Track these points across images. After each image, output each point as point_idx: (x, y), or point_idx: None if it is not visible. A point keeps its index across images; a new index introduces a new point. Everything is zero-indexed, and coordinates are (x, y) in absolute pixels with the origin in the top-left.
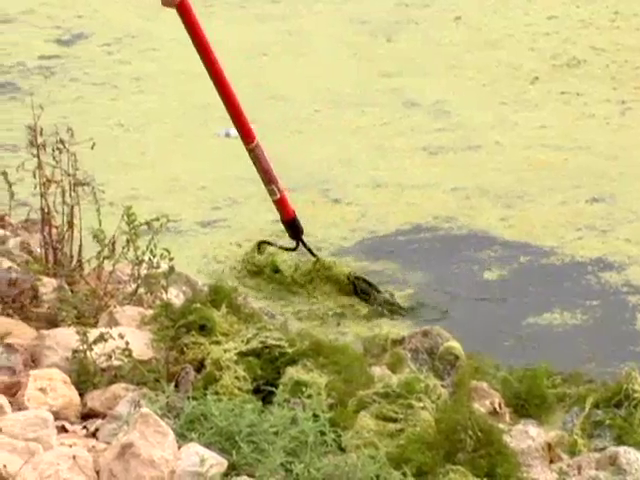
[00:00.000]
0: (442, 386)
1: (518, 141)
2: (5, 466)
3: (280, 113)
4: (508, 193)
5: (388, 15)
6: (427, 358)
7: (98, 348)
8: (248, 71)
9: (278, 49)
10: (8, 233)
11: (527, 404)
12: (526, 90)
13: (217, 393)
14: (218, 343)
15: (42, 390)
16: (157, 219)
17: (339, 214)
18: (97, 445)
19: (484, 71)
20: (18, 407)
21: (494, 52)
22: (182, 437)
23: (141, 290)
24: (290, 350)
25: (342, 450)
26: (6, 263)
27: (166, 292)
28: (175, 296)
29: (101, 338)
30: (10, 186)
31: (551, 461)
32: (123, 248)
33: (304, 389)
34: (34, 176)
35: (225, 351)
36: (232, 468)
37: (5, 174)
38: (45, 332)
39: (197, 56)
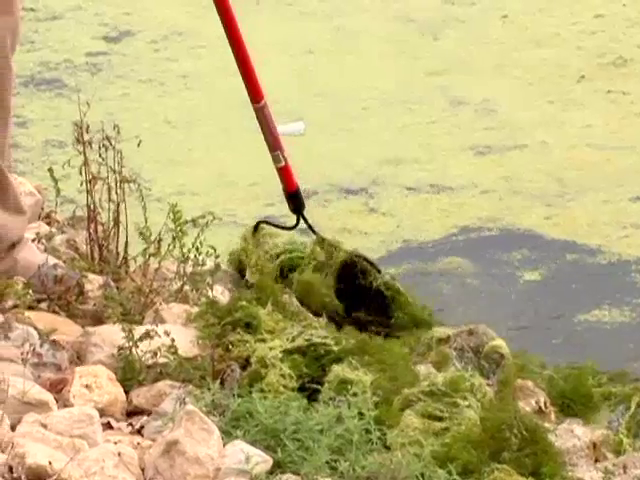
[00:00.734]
0: (487, 385)
1: (564, 140)
2: (50, 462)
3: (327, 111)
4: (551, 192)
5: (434, 13)
6: (472, 357)
7: (144, 345)
8: (294, 68)
9: (324, 47)
10: (54, 230)
11: (572, 403)
12: (572, 89)
13: (262, 391)
14: (263, 341)
15: (88, 387)
16: (203, 216)
17: (377, 221)
18: (142, 442)
19: (530, 70)
20: (64, 404)
21: (540, 51)
22: (227, 434)
23: (187, 287)
24: (336, 348)
25: (387, 448)
26: (52, 260)
27: (212, 290)
28: (220, 293)
29: (147, 335)
30: (56, 183)
31: (596, 460)
32: (169, 245)
33: (349, 387)
34: (80, 173)
35: (270, 349)
36: (277, 466)
37: (51, 171)
38: (91, 329)
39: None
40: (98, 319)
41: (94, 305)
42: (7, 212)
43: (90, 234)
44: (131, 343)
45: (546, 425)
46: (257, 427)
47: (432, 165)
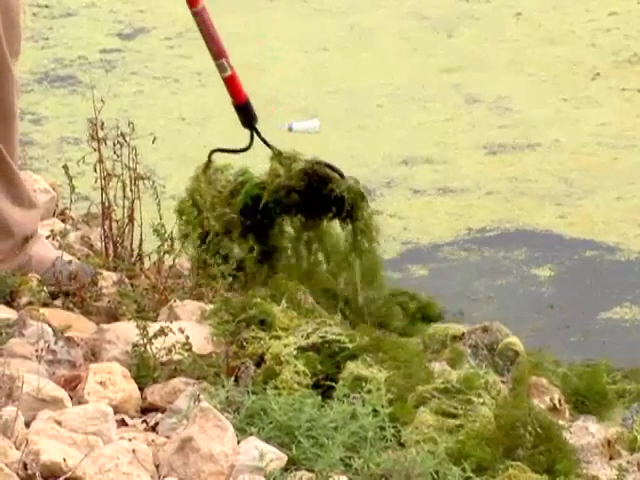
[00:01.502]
0: (502, 382)
1: (578, 139)
2: (65, 459)
3: (342, 108)
4: (563, 191)
5: (449, 10)
6: (487, 354)
7: (158, 342)
8: (308, 65)
9: (339, 44)
10: (69, 227)
11: (587, 400)
12: (587, 86)
13: (277, 388)
14: (278, 338)
15: (102, 384)
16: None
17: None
18: (157, 439)
19: (545, 67)
20: (78, 401)
21: (554, 48)
22: (241, 431)
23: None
24: (350, 345)
25: (401, 445)
26: (67, 257)
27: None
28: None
29: (161, 332)
30: (71, 180)
31: (611, 457)
32: (182, 242)
33: (364, 384)
34: (95, 170)
35: (285, 346)
36: (291, 463)
37: (66, 168)
38: (105, 326)
39: (257, 50)
40: (112, 316)
41: (108, 302)
42: (19, 207)
43: (104, 231)
44: (145, 340)
45: (560, 422)
46: (271, 424)
47: (446, 165)
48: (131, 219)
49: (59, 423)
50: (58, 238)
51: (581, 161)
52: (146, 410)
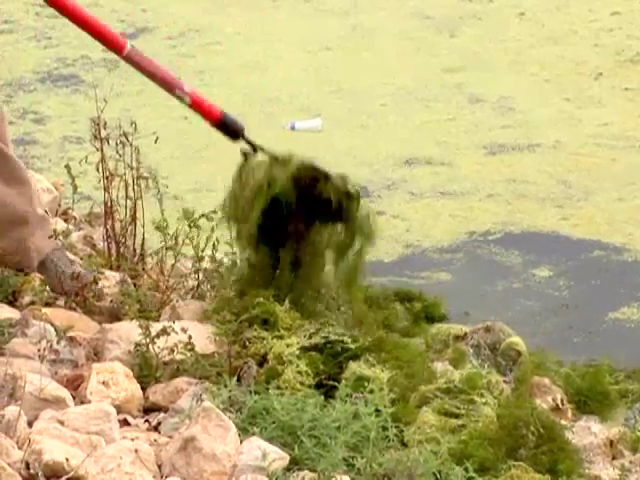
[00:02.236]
0: (504, 382)
1: (578, 139)
2: (67, 459)
3: (345, 107)
4: (565, 192)
5: (451, 10)
6: (489, 354)
7: (161, 342)
8: (312, 65)
9: (341, 43)
10: (71, 227)
11: (589, 400)
12: (590, 86)
13: (279, 387)
14: (281, 338)
15: (104, 383)
16: (215, 212)
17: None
18: (159, 439)
19: (548, 67)
20: (80, 400)
21: (557, 48)
22: (244, 431)
23: (203, 284)
24: (352, 345)
25: (404, 445)
26: (69, 257)
27: (229, 287)
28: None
29: (164, 332)
30: (73, 179)
31: (613, 457)
32: (183, 241)
33: (366, 384)
34: (97, 170)
35: (288, 346)
36: (294, 463)
37: (68, 167)
38: (108, 326)
39: (260, 50)
40: (115, 316)
41: (111, 302)
42: (4, 184)
43: (107, 230)
44: (148, 340)
45: (563, 422)
46: (274, 424)
47: (449, 166)
48: (133, 219)
49: (61, 423)
50: (60, 238)
51: (580, 161)
52: (148, 410)
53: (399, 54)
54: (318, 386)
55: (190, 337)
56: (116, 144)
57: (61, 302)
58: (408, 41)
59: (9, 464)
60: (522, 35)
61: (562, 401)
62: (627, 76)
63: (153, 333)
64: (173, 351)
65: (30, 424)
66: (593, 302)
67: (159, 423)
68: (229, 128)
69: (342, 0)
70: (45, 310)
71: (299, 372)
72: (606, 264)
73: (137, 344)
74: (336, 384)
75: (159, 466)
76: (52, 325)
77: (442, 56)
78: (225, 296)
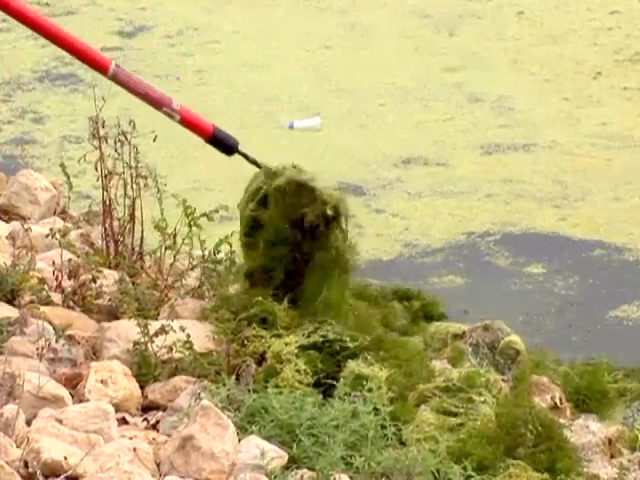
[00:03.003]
0: (503, 380)
1: (576, 139)
2: (66, 458)
3: (344, 106)
4: (561, 193)
5: (451, 9)
6: (488, 352)
7: (159, 340)
8: (310, 63)
9: (340, 42)
10: (69, 225)
11: (588, 399)
12: (589, 85)
13: (278, 386)
14: (279, 336)
15: (103, 382)
16: (216, 211)
17: (385, 222)
18: (158, 437)
19: (547, 66)
20: (79, 399)
21: (556, 47)
22: (242, 430)
23: (202, 283)
24: (351, 344)
25: (402, 444)
26: (67, 255)
27: (228, 286)
28: (235, 288)
29: (162, 330)
30: (69, 178)
31: (612, 456)
32: (183, 240)
33: (365, 383)
34: (96, 168)
35: (286, 344)
36: (292, 461)
37: (63, 166)
38: (106, 324)
39: (259, 48)
40: (113, 314)
41: (109, 300)
42: None
43: (105, 229)
44: (146, 338)
45: (561, 421)
46: (272, 422)
47: (449, 166)
48: (132, 217)
49: (60, 421)
50: (58, 236)
51: (574, 162)
52: (147, 408)
53: (398, 53)
54: (316, 385)
55: (189, 336)
56: (115, 143)
57: (59, 300)
58: (407, 40)
59: (7, 463)
60: (521, 34)
61: (561, 400)
62: (626, 75)
63: (152, 332)
64: (172, 350)
65: (29, 423)
66: (591, 301)
67: (158, 422)
68: (222, 143)
69: None
70: (44, 309)
71: (298, 371)
72: (604, 263)
73: (135, 343)
74: (335, 383)
75: (157, 465)
76: (51, 324)
77: (441, 55)
78: (224, 295)
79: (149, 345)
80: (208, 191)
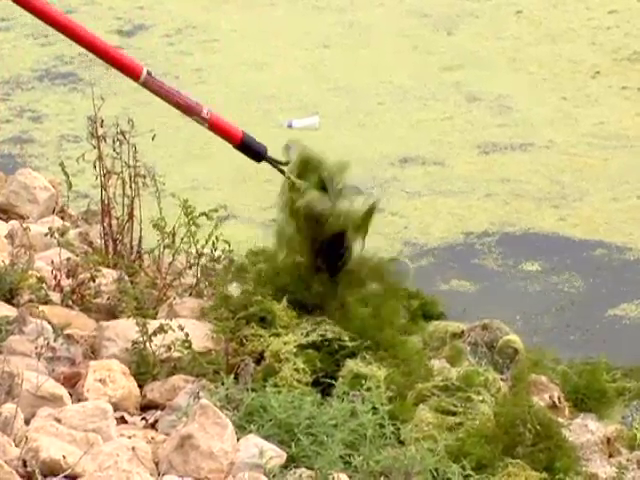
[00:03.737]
0: (501, 380)
1: (572, 139)
2: (64, 457)
3: (343, 105)
4: (559, 193)
5: (449, 8)
6: (486, 351)
7: (158, 339)
8: (309, 62)
9: (339, 41)
10: (68, 224)
11: (586, 398)
12: (587, 85)
13: (276, 385)
14: (278, 335)
15: (102, 381)
16: (216, 210)
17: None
18: (156, 436)
19: (545, 65)
20: (78, 398)
21: (555, 46)
22: (241, 429)
23: (201, 282)
24: (350, 343)
25: (401, 443)
26: (66, 254)
27: (227, 285)
28: (234, 287)
29: (161, 329)
30: (68, 177)
31: (610, 455)
32: (182, 239)
33: (363, 382)
34: (94, 167)
35: (285, 343)
36: (291, 460)
37: (63, 165)
38: (105, 323)
39: (258, 47)
40: (112, 313)
41: (108, 299)
42: None
43: (104, 228)
44: (145, 337)
45: (560, 420)
46: (271, 422)
47: (449, 165)
48: (131, 216)
49: (59, 420)
50: (56, 235)
51: (576, 161)
52: (146, 407)
53: (396, 52)
54: (315, 384)
55: (187, 335)
56: (113, 142)
57: (58, 299)
58: (405, 39)
59: (6, 462)
60: (519, 33)
61: (559, 399)
62: (624, 75)
63: (150, 331)
64: (170, 349)
65: (27, 422)
66: (590, 300)
67: (156, 421)
68: (251, 149)
69: None
70: (42, 308)
71: (296, 370)
72: (603, 263)
73: (134, 342)
74: (333, 382)
75: (156, 464)
76: (49, 323)
77: (439, 54)
78: (223, 294)
79: (148, 344)
80: (206, 190)
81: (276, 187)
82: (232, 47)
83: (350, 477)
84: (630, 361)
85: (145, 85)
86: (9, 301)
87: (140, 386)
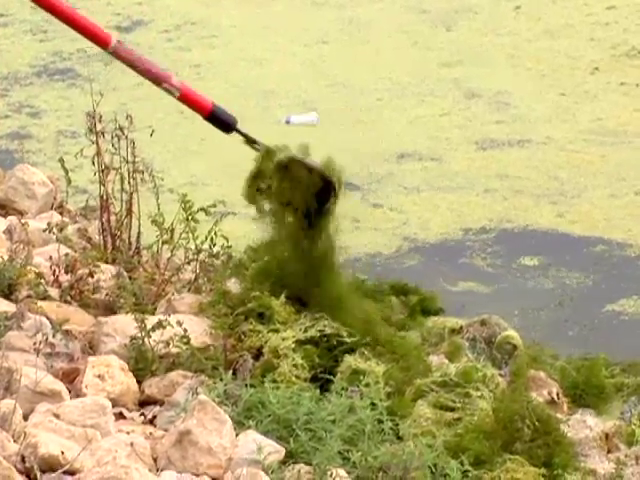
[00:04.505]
0: (500, 375)
1: (570, 135)
2: (63, 452)
3: (342, 101)
4: (558, 189)
5: (447, 4)
6: (485, 347)
7: (156, 335)
8: (308, 58)
9: (338, 37)
10: (67, 220)
11: (585, 394)
12: (586, 81)
13: (275, 381)
14: (276, 331)
15: (100, 377)
16: (214, 205)
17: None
18: (155, 432)
19: (543, 61)
20: (76, 394)
21: (553, 42)
22: (240, 425)
23: (199, 277)
24: (348, 339)
25: (399, 439)
26: (64, 250)
27: (225, 280)
28: (233, 283)
29: (159, 325)
30: (67, 173)
31: (609, 451)
32: (180, 234)
33: (362, 377)
34: (93, 163)
35: (283, 339)
36: (289, 456)
37: (62, 161)
38: (103, 319)
39: (257, 43)
40: (110, 309)
41: (106, 295)
42: None
43: (103, 224)
44: (143, 333)
45: (558, 416)
46: (269, 417)
47: (443, 161)
48: (129, 212)
49: (57, 416)
50: (55, 231)
51: (568, 158)
52: (144, 403)
53: (395, 48)
54: (314, 379)
55: (186, 330)
56: (112, 138)
57: (56, 295)
58: (404, 35)
59: (5, 457)
60: (518, 29)
61: (558, 395)
62: (623, 71)
63: (149, 326)
64: (169, 344)
65: (26, 417)
66: (588, 296)
67: (155, 416)
68: (221, 120)
69: None
70: (41, 303)
71: (295, 365)
72: (602, 259)
73: (133, 337)
74: (332, 378)
75: (155, 459)
76: (48, 318)
77: (438, 50)
78: (221, 289)
79: (146, 340)
80: (205, 186)
81: None
82: (231, 43)
83: (348, 473)
84: (629, 357)
85: (115, 53)
86: (7, 297)
87: (139, 382)
